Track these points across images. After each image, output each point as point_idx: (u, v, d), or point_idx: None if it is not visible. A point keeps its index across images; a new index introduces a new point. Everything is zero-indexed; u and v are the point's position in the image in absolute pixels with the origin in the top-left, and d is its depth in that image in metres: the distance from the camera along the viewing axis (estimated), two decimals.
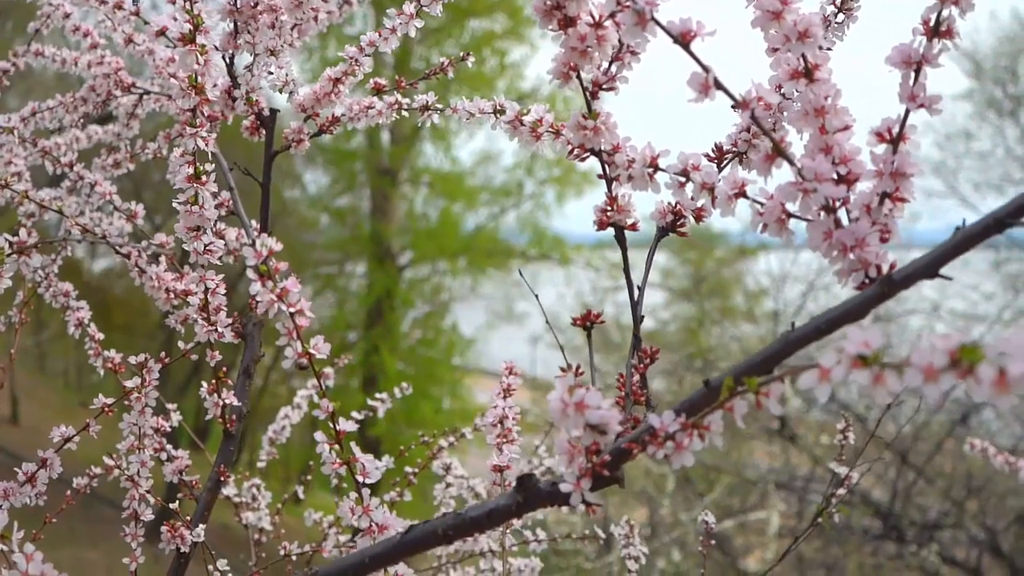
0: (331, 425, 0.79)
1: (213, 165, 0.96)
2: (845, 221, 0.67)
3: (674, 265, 12.12)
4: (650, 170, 0.77)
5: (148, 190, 8.89)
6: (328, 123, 1.18)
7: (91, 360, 1.28)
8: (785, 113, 0.75)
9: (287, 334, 0.77)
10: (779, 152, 0.68)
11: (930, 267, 0.60)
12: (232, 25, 1.13)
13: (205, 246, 0.98)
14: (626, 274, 0.82)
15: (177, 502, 1.15)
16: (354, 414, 0.84)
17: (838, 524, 6.19)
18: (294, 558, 1.37)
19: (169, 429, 1.20)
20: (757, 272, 10.92)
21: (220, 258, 1.03)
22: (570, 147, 0.79)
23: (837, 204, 0.66)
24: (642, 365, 0.78)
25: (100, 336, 1.29)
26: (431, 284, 12.25)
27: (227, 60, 1.15)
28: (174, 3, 1.20)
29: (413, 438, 1.63)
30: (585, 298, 11.41)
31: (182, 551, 1.12)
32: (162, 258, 1.22)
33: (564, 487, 0.68)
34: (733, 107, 0.81)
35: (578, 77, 0.76)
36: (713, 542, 1.37)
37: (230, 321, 1.09)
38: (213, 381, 1.13)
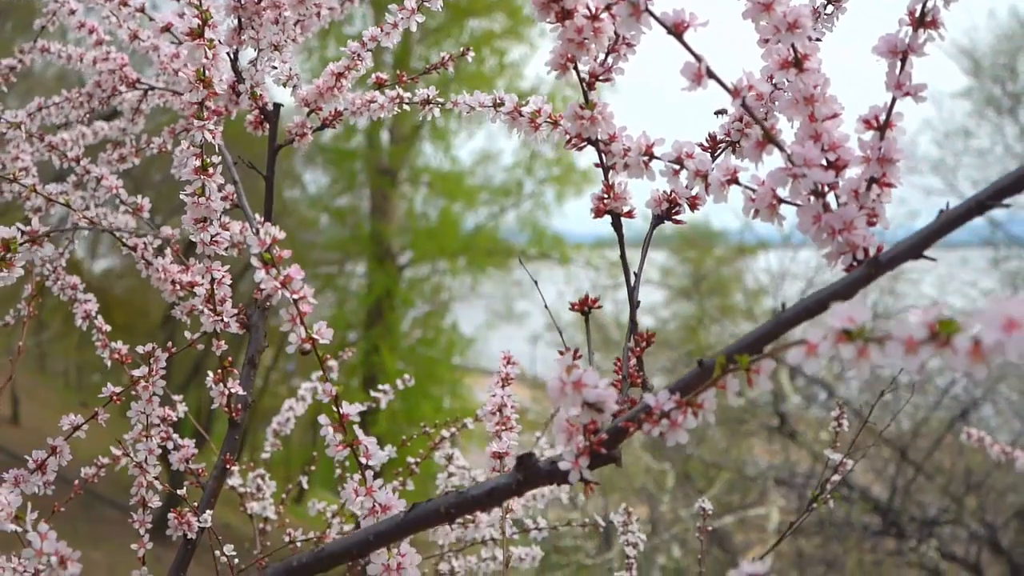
0: (335, 408, 0.81)
1: (219, 158, 0.98)
2: (834, 206, 0.69)
3: (674, 264, 12.15)
4: (645, 158, 0.79)
5: (148, 190, 8.91)
6: (331, 117, 1.20)
7: (98, 351, 1.30)
8: (776, 103, 0.77)
9: (291, 320, 0.79)
10: (769, 139, 0.70)
11: (915, 248, 0.62)
12: (236, 21, 1.15)
13: (211, 237, 1.00)
14: (623, 260, 0.84)
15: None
16: (357, 405, 0.86)
17: (838, 521, 6.20)
18: (299, 545, 1.39)
19: (176, 419, 1.22)
20: (756, 270, 10.95)
21: (225, 250, 1.06)
22: (568, 137, 0.82)
23: (826, 189, 0.68)
24: (638, 348, 0.80)
25: (107, 328, 1.32)
26: (431, 283, 12.27)
27: (231, 56, 1.17)
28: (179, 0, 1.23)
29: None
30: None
31: (189, 537, 1.15)
32: (168, 250, 1.24)
33: (563, 465, 0.70)
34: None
35: (575, 68, 0.78)
36: (711, 529, 1.39)
37: (236, 311, 1.11)
38: (219, 370, 1.15)
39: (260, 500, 1.54)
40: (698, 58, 0.68)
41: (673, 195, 0.83)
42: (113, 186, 1.28)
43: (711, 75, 0.68)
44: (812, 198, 0.68)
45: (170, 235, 1.26)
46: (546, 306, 1.00)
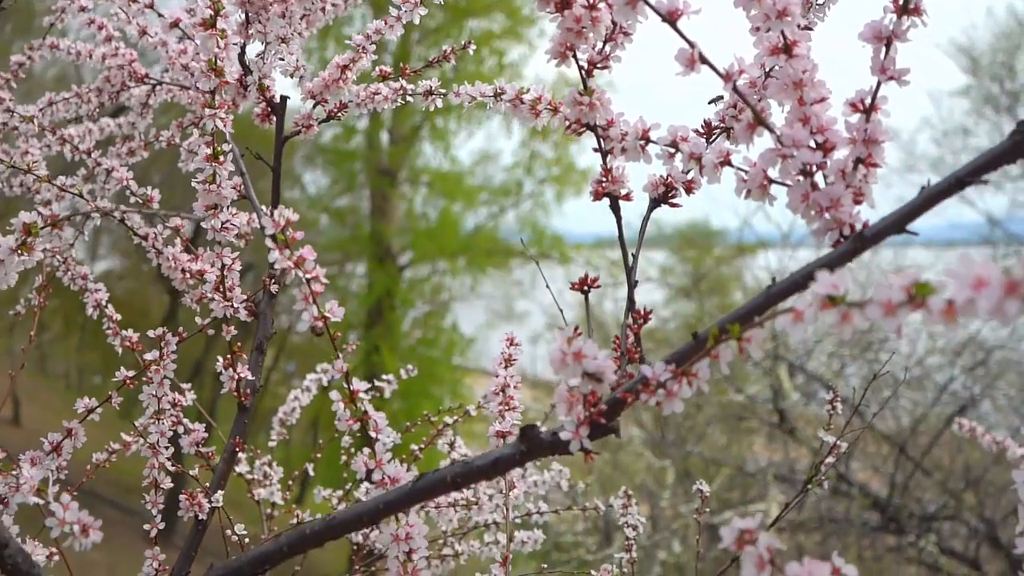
0: (345, 384, 0.85)
1: (230, 146, 1.01)
2: (823, 185, 0.72)
3: (674, 263, 12.19)
4: (642, 142, 0.83)
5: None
6: (337, 109, 1.24)
7: (110, 339, 1.33)
8: (768, 89, 0.80)
9: (303, 299, 0.82)
10: (760, 121, 0.74)
11: (898, 223, 0.65)
12: (244, 15, 1.18)
13: (222, 223, 1.04)
14: (621, 242, 0.87)
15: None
16: (362, 393, 0.89)
17: (838, 517, 6.21)
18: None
19: (186, 404, 1.25)
20: (756, 269, 10.98)
21: (236, 237, 1.09)
22: (567, 123, 0.85)
23: (814, 169, 0.71)
24: (636, 326, 0.83)
25: (117, 317, 1.35)
26: (431, 284, 12.30)
27: (239, 49, 1.20)
28: None
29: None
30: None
31: (200, 518, 1.18)
32: (177, 240, 1.27)
33: (564, 435, 0.73)
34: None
35: (574, 56, 0.81)
36: (707, 511, 1.42)
37: (245, 297, 1.14)
38: (228, 356, 1.18)
39: (267, 487, 1.57)
40: (691, 44, 0.71)
41: (669, 179, 0.86)
42: (123, 178, 1.31)
43: (704, 60, 0.71)
44: (801, 178, 0.71)
45: (179, 225, 1.30)
46: (553, 298, 1.03)
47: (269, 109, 1.25)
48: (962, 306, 0.47)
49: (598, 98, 0.81)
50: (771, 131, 0.73)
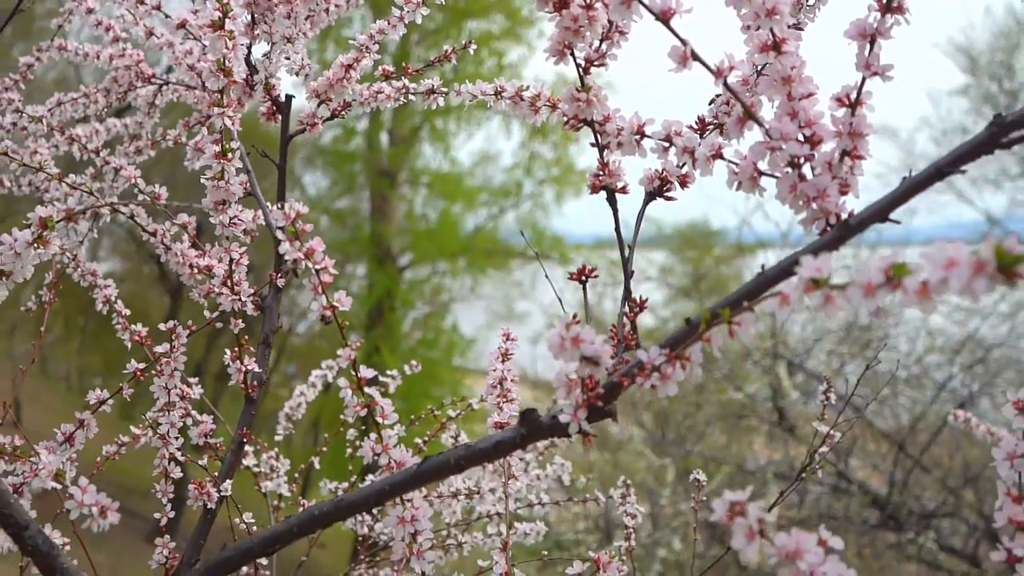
0: (353, 372, 0.88)
1: (238, 143, 1.04)
2: (810, 177, 0.75)
3: (673, 263, 12.21)
4: (637, 137, 0.86)
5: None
6: (340, 107, 1.27)
7: (119, 334, 1.36)
8: (759, 85, 0.83)
9: (313, 289, 0.85)
10: (749, 115, 0.77)
11: (882, 212, 0.68)
12: (250, 16, 1.21)
13: (230, 218, 1.07)
14: (617, 234, 0.90)
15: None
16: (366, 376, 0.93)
17: (837, 514, 6.23)
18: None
19: (195, 396, 1.27)
20: (755, 269, 10.99)
21: (243, 233, 1.12)
22: (565, 119, 0.88)
23: (802, 161, 0.74)
24: (632, 314, 0.86)
25: (127, 312, 1.38)
26: (431, 285, 12.32)
27: (246, 50, 1.23)
28: None
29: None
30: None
31: (209, 507, 1.21)
32: (185, 236, 1.30)
33: (563, 417, 0.76)
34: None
35: (572, 54, 0.84)
36: (704, 499, 1.45)
37: (252, 291, 1.17)
38: (236, 348, 1.22)
39: (273, 479, 1.60)
40: (683, 42, 0.74)
41: (664, 173, 0.89)
42: (132, 176, 1.34)
43: (695, 57, 0.74)
44: (789, 169, 0.74)
45: (186, 222, 1.33)
46: (557, 296, 1.06)
47: (274, 108, 1.28)
48: (935, 285, 0.50)
49: (595, 94, 0.84)
50: (760, 125, 0.76)
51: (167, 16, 1.36)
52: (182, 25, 1.31)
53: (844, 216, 0.72)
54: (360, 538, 1.66)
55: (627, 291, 0.88)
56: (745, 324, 0.67)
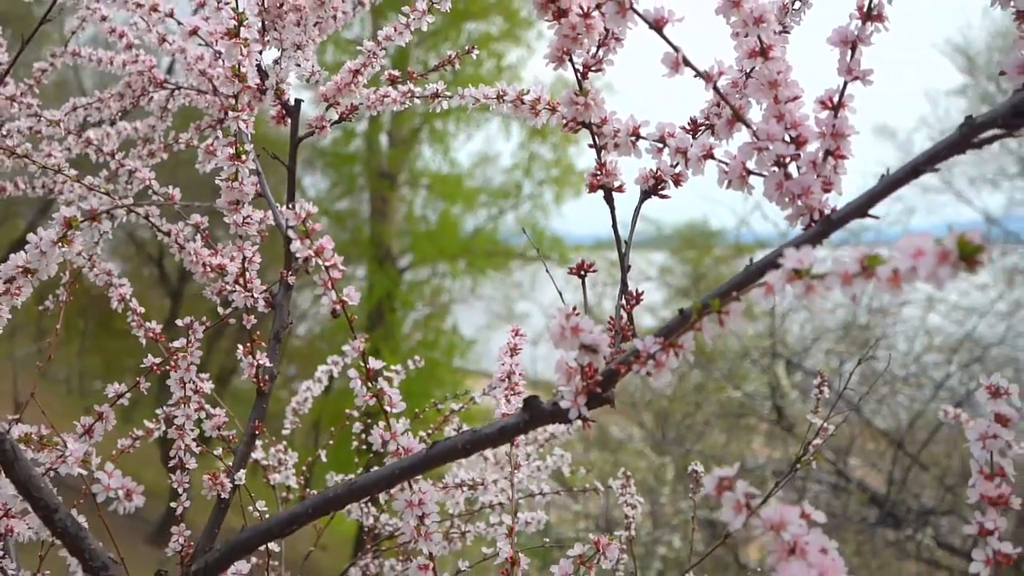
0: (362, 364, 0.92)
1: (252, 146, 1.09)
2: (796, 175, 0.80)
3: (673, 263, 12.24)
4: (633, 138, 0.90)
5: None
6: (348, 111, 1.31)
7: (134, 331, 1.41)
8: (748, 88, 0.88)
9: (323, 285, 0.90)
10: (737, 117, 0.81)
11: (861, 208, 0.73)
12: (261, 24, 1.26)
13: (244, 218, 1.11)
14: (614, 230, 0.95)
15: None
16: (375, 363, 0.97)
17: (836, 512, 6.26)
18: None
19: (207, 391, 1.32)
20: None
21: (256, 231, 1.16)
22: (565, 121, 0.92)
23: (788, 160, 0.79)
24: (629, 306, 0.91)
25: (141, 310, 1.42)
26: (431, 286, 12.36)
27: (257, 56, 1.27)
28: (203, 5, 1.34)
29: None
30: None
31: (223, 497, 1.25)
32: (198, 236, 1.34)
33: (563, 403, 0.81)
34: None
35: (570, 60, 0.89)
36: (701, 490, 1.50)
37: (264, 288, 1.22)
38: (248, 344, 1.26)
39: (281, 472, 1.65)
40: (676, 49, 0.79)
41: (659, 172, 0.94)
42: (146, 178, 1.39)
43: (687, 63, 0.79)
44: (776, 168, 0.79)
45: (199, 222, 1.37)
46: (559, 293, 1.10)
47: (284, 112, 1.32)
48: (904, 273, 0.54)
49: (592, 98, 0.89)
50: (748, 127, 0.81)
51: (180, 23, 1.41)
52: (194, 32, 1.36)
53: (827, 212, 0.77)
54: (366, 529, 1.70)
55: (624, 285, 0.92)
56: (734, 313, 0.71)
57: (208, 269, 1.31)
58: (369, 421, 1.86)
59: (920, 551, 6.65)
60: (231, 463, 1.21)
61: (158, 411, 1.38)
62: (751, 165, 0.82)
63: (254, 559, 1.44)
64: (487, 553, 1.44)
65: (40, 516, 0.85)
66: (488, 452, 1.75)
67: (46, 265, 0.95)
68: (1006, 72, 0.73)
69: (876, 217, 0.73)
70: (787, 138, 0.80)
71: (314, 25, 1.29)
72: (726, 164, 0.83)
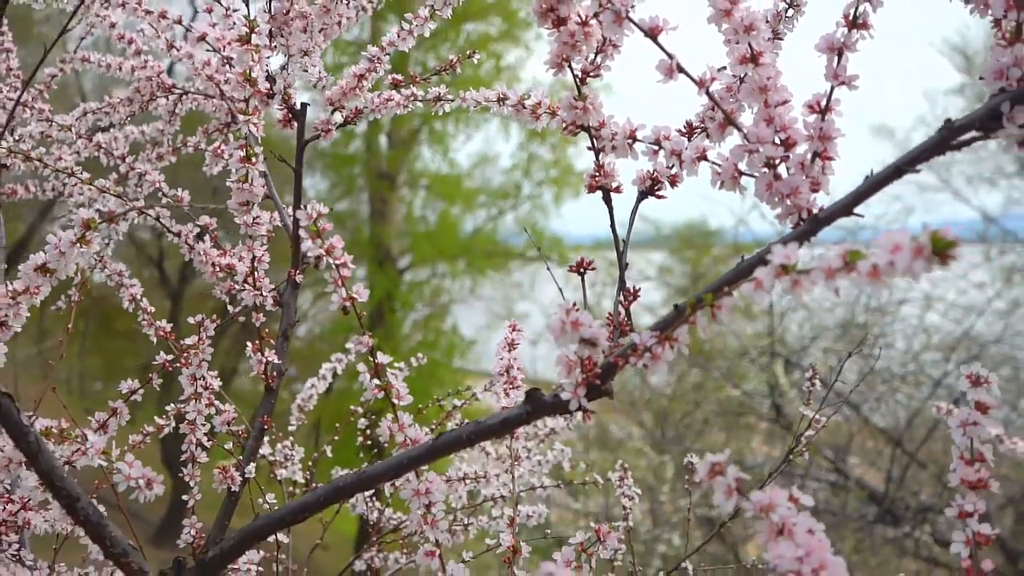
0: (371, 358, 0.96)
1: (262, 148, 1.12)
2: (785, 176, 0.84)
3: (672, 263, 12.29)
4: (629, 141, 0.94)
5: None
6: (352, 115, 1.35)
7: (145, 330, 1.45)
8: (740, 93, 0.92)
9: (334, 282, 0.94)
10: (729, 121, 0.85)
11: (847, 207, 0.77)
12: (267, 30, 1.30)
13: (254, 218, 1.15)
14: (612, 229, 0.98)
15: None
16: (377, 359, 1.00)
17: (834, 510, 6.30)
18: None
19: (216, 387, 1.36)
20: None
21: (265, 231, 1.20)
22: (564, 124, 0.96)
23: (777, 162, 0.83)
24: (627, 301, 0.94)
25: (151, 309, 1.46)
26: (431, 286, 12.38)
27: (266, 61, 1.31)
28: (211, 11, 1.38)
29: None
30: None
31: (233, 490, 1.29)
32: (207, 237, 1.38)
33: (564, 395, 0.85)
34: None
35: (569, 66, 0.92)
36: (694, 478, 1.53)
37: (273, 287, 1.26)
38: (257, 341, 1.30)
39: (287, 467, 1.68)
40: (670, 56, 0.83)
41: (655, 173, 0.98)
42: (156, 180, 1.43)
43: (681, 70, 0.83)
44: (766, 169, 0.83)
45: (208, 223, 1.41)
46: (560, 291, 1.14)
47: (291, 115, 1.36)
48: (883, 268, 0.58)
49: (591, 103, 0.93)
50: (739, 130, 0.84)
51: (188, 30, 1.44)
52: (202, 38, 1.40)
53: (815, 211, 0.80)
54: (371, 524, 1.74)
55: (622, 282, 0.96)
56: (726, 307, 0.75)
57: (217, 269, 1.35)
58: (374, 417, 1.90)
59: (918, 548, 6.69)
60: (239, 458, 1.25)
61: (168, 408, 1.42)
62: (743, 166, 0.85)
63: (263, 552, 1.48)
64: (490, 544, 1.48)
65: (63, 505, 0.88)
66: (490, 448, 1.79)
67: (65, 265, 0.99)
68: (984, 78, 0.76)
69: (860, 215, 0.77)
70: (777, 140, 0.84)
71: (319, 31, 1.32)
72: (719, 165, 0.87)
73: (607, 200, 0.98)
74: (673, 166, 0.95)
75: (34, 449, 0.88)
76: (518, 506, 1.60)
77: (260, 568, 1.21)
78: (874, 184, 0.76)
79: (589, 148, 0.96)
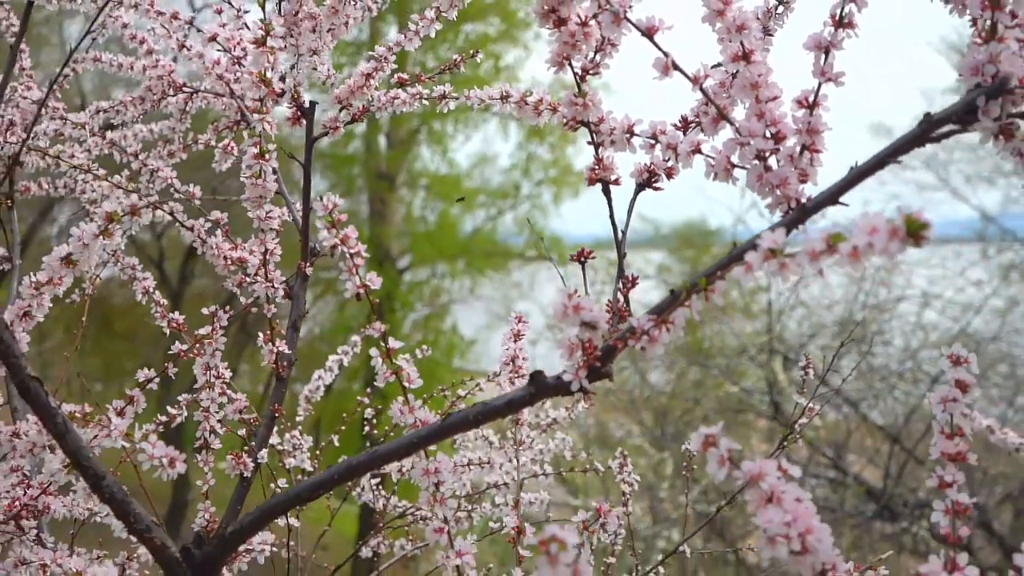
0: (382, 343, 1.01)
1: (275, 145, 1.17)
2: (775, 168, 0.88)
3: (671, 262, 12.33)
4: (627, 135, 0.99)
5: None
6: (360, 113, 1.40)
7: (158, 322, 1.49)
8: (733, 88, 0.96)
9: (348, 271, 0.98)
10: (722, 116, 0.90)
11: (833, 197, 0.82)
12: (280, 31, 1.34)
13: (267, 213, 1.19)
14: (611, 220, 1.03)
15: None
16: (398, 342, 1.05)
17: (833, 506, 6.34)
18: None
19: (227, 378, 1.40)
20: None
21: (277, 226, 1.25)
22: (565, 120, 1.01)
23: (767, 154, 0.87)
24: (625, 289, 0.99)
25: (164, 301, 1.51)
26: (430, 286, 12.41)
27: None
28: (220, 12, 1.42)
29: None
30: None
31: (245, 476, 1.33)
32: (219, 231, 1.42)
33: (566, 377, 0.89)
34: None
35: (570, 65, 0.97)
36: (694, 470, 1.58)
37: (284, 279, 1.30)
38: (268, 331, 1.34)
39: (295, 456, 1.73)
40: (665, 54, 0.87)
41: (652, 166, 1.02)
42: (168, 177, 1.47)
43: (676, 67, 0.87)
44: (757, 161, 0.87)
45: (219, 218, 1.45)
46: (562, 279, 1.19)
47: (299, 113, 1.40)
48: (862, 248, 0.63)
49: (590, 99, 0.98)
50: (731, 124, 0.89)
51: (199, 31, 1.49)
52: (213, 38, 1.44)
53: (804, 200, 0.85)
54: (376, 513, 1.78)
55: (620, 270, 1.01)
56: (719, 291, 0.79)
57: (229, 262, 1.39)
58: (380, 407, 1.95)
59: (916, 544, 6.74)
60: (251, 443, 1.30)
61: (180, 398, 1.47)
62: (735, 159, 0.90)
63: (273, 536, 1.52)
64: (494, 528, 1.52)
65: (89, 483, 0.93)
66: (493, 436, 1.84)
67: (88, 256, 1.03)
68: (962, 75, 0.81)
69: (846, 204, 0.82)
70: (767, 134, 0.88)
71: (327, 31, 1.37)
72: (712, 158, 0.92)
73: (606, 192, 1.03)
74: (669, 159, 0.99)
75: (62, 429, 0.92)
76: (521, 491, 1.65)
77: (274, 548, 1.25)
78: (858, 174, 0.81)
79: (589, 143, 1.01)
